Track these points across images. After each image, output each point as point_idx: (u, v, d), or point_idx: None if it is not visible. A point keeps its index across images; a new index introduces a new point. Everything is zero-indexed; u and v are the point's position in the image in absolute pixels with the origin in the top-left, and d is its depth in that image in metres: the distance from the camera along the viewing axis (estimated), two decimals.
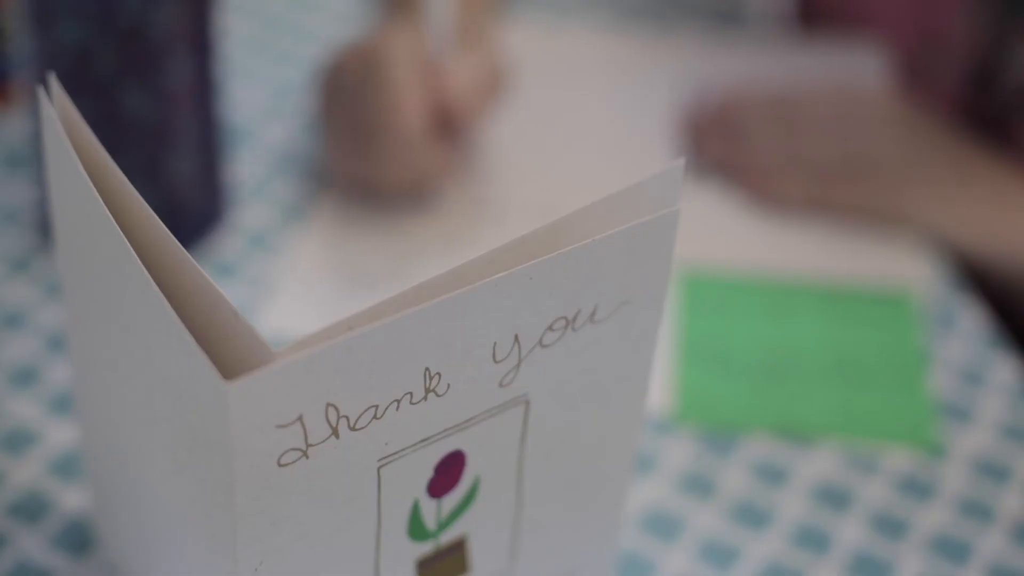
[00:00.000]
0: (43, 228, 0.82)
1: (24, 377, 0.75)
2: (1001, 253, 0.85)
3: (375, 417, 0.49)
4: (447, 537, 0.56)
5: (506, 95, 0.86)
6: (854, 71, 0.97)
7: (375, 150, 0.81)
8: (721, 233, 0.86)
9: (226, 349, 0.48)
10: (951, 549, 0.70)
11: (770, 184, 0.87)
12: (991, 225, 0.85)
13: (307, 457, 0.48)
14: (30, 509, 0.69)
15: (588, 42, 1.00)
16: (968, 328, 0.82)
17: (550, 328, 0.51)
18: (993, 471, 0.74)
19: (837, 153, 0.87)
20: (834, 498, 0.72)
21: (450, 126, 0.83)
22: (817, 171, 0.87)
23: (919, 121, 0.89)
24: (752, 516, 0.71)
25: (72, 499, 0.69)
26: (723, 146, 0.90)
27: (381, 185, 0.83)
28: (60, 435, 0.72)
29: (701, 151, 0.90)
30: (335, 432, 0.48)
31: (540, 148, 0.91)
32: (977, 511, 0.72)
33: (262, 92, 0.95)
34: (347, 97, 0.82)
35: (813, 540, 0.70)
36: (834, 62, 0.98)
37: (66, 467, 0.71)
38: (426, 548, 0.55)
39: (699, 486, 0.72)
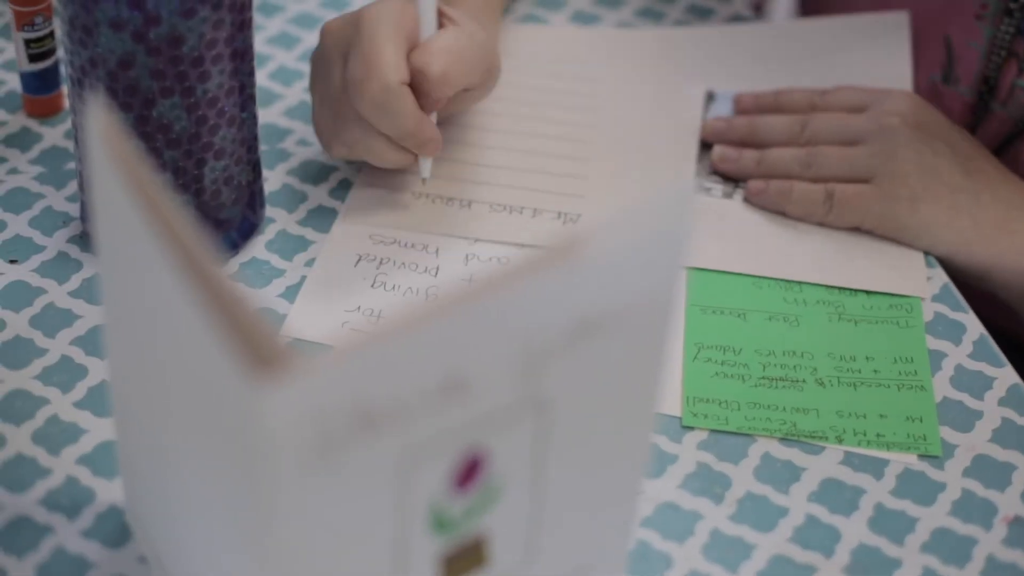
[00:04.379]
0: (90, 231, 0.84)
1: (65, 375, 0.77)
2: (1009, 262, 0.86)
3: (402, 417, 0.51)
4: (468, 532, 0.58)
5: (492, 77, 0.86)
6: (879, 50, 0.98)
7: (353, 106, 0.81)
8: (731, 241, 0.87)
9: (257, 352, 0.49)
10: (952, 549, 0.72)
11: (786, 194, 0.88)
12: (1001, 234, 0.86)
13: (335, 456, 0.50)
14: (69, 502, 0.71)
15: (605, 38, 1.02)
16: (971, 337, 0.83)
17: (568, 334, 0.53)
18: (993, 474, 0.76)
19: (856, 164, 0.88)
20: (839, 499, 0.74)
21: (424, 96, 0.81)
22: (834, 182, 0.88)
23: (937, 126, 0.89)
24: (760, 515, 0.73)
25: (110, 493, 0.72)
26: (739, 155, 0.91)
27: (362, 148, 0.83)
28: (100, 431, 0.74)
29: (717, 160, 0.91)
30: (363, 431, 0.50)
31: (559, 145, 0.93)
32: (977, 513, 0.74)
33: (292, 89, 0.97)
34: (332, 60, 0.83)
35: (818, 539, 0.72)
36: (860, 37, 0.99)
37: (104, 462, 0.73)
38: (447, 542, 0.57)
39: (709, 486, 0.74)
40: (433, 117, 0.84)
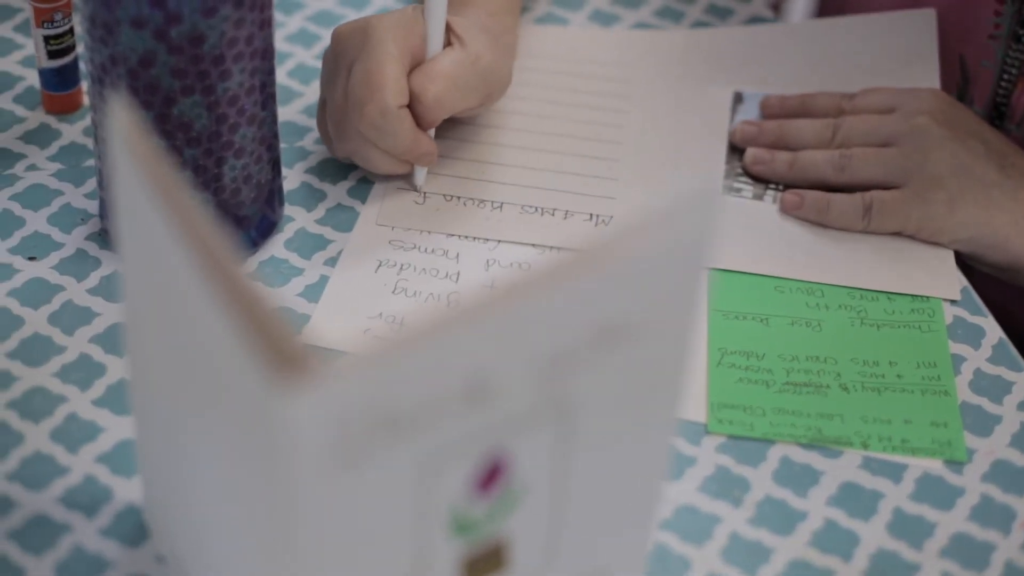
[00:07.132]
0: (109, 228, 0.84)
1: (84, 372, 0.77)
2: None
3: (424, 421, 0.51)
4: (489, 535, 0.58)
5: (493, 98, 0.87)
6: (907, 48, 0.97)
7: (352, 119, 0.83)
8: (760, 243, 0.87)
9: (280, 354, 0.49)
10: (971, 554, 0.72)
11: (824, 209, 0.88)
12: None
13: (358, 459, 0.50)
14: (87, 500, 0.71)
15: (629, 39, 1.01)
16: (990, 341, 0.83)
17: (590, 339, 0.53)
18: (1012, 479, 0.76)
19: (889, 167, 0.87)
20: (858, 503, 0.74)
21: (419, 117, 0.83)
22: (870, 191, 0.87)
23: (967, 123, 0.89)
24: (779, 519, 0.73)
25: (128, 492, 0.72)
26: (772, 157, 0.91)
27: (359, 158, 0.85)
28: (118, 429, 0.74)
29: (750, 162, 0.91)
30: (386, 434, 0.50)
31: (588, 146, 0.93)
32: (996, 518, 0.74)
33: (311, 87, 0.97)
34: (338, 69, 0.84)
35: (837, 543, 0.72)
36: (887, 34, 0.99)
37: (122, 461, 0.73)
38: (468, 545, 0.58)
39: (728, 489, 0.74)
40: (431, 131, 0.86)
